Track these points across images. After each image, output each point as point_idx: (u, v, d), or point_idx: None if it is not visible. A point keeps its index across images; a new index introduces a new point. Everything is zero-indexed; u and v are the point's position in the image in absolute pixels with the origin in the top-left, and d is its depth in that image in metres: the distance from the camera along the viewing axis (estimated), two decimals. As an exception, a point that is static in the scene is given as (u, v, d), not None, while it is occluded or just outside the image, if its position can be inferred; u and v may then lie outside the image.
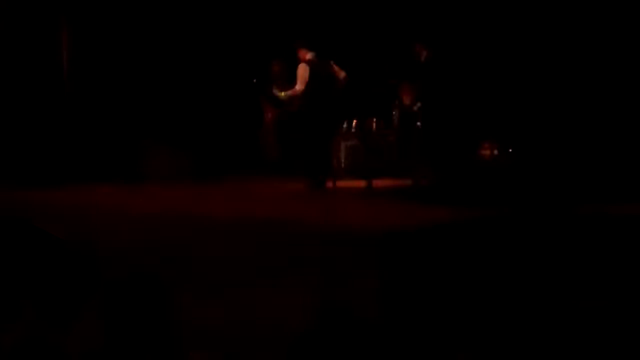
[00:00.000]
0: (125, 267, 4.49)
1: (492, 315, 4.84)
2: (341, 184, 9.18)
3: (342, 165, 10.50)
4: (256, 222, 6.33)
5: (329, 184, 8.68)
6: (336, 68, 9.03)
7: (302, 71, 8.83)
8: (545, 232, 5.72)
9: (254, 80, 9.98)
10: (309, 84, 8.76)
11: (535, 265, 5.41)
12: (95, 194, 9.03)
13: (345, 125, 10.80)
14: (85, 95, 11.12)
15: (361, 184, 8.86)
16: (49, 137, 10.83)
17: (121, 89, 11.39)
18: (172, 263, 5.02)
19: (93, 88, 11.19)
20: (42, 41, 10.93)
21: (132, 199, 8.12)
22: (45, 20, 10.99)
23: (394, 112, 10.93)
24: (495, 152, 10.63)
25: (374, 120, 10.68)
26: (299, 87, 9.00)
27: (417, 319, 4.73)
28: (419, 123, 10.26)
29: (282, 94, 9.92)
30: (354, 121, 10.77)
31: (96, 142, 11.01)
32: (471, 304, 4.98)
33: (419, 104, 9.66)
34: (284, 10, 12.43)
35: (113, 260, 4.44)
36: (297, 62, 9.02)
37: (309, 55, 8.87)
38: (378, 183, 8.44)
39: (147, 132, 11.24)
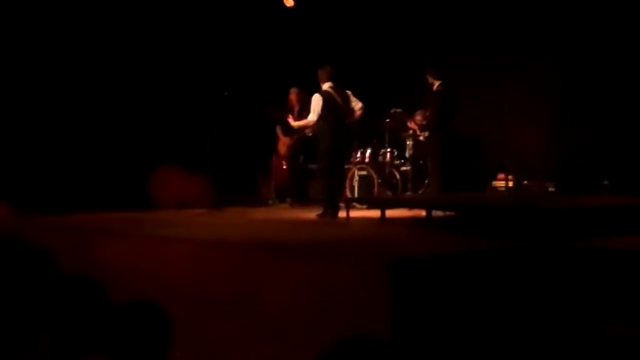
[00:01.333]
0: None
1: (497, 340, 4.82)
2: (354, 213, 9.18)
3: (356, 194, 10.52)
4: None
5: (342, 214, 8.65)
6: (353, 98, 9.02)
7: (316, 102, 8.80)
8: (552, 265, 5.69)
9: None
10: (322, 115, 8.75)
11: (539, 299, 5.38)
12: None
13: (358, 155, 10.83)
14: (99, 119, 11.21)
15: (374, 213, 8.83)
16: (62, 162, 10.93)
17: (136, 115, 11.52)
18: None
19: (107, 113, 11.30)
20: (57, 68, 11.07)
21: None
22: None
23: (407, 142, 10.96)
24: (510, 183, 10.63)
25: (388, 150, 10.70)
26: (311, 117, 8.99)
27: (427, 341, 4.72)
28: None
29: (295, 123, 9.93)
30: (368, 151, 10.81)
31: (109, 168, 11.12)
32: (477, 329, 4.96)
33: (426, 133, 9.62)
34: (302, 38, 12.61)
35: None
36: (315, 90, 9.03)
37: (325, 85, 8.88)
38: (391, 213, 8.40)
39: (161, 159, 11.35)
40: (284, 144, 11.14)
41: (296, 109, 10.80)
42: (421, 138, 10.20)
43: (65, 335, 2.82)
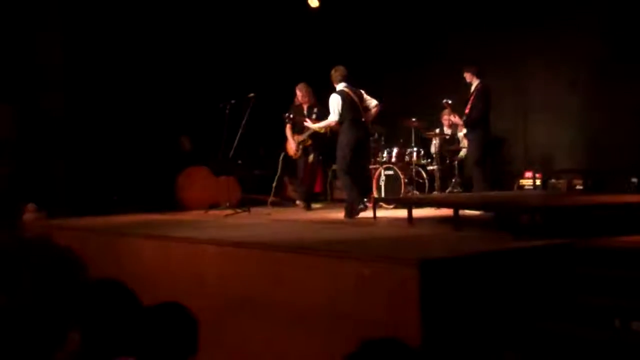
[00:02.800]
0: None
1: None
2: (381, 213, 9.15)
3: (382, 194, 10.49)
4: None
5: (369, 214, 8.62)
6: (367, 97, 9.03)
7: (335, 102, 8.82)
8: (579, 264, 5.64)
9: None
10: (341, 114, 8.76)
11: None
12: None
13: (385, 155, 10.80)
14: (125, 122, 11.30)
15: (401, 213, 8.80)
16: (91, 165, 11.02)
17: (162, 118, 11.60)
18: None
19: (133, 116, 11.38)
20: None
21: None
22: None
23: (433, 141, 10.91)
24: (538, 181, 10.55)
25: (414, 149, 10.66)
26: (332, 118, 9.02)
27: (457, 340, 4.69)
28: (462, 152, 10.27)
29: (315, 126, 9.88)
30: (394, 150, 10.77)
31: (136, 170, 11.19)
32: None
33: (464, 130, 9.61)
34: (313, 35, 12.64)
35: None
36: (323, 86, 9.01)
37: (340, 85, 8.90)
38: (418, 212, 8.36)
39: (188, 161, 11.42)
40: (292, 143, 10.92)
41: (306, 105, 10.63)
42: (461, 134, 10.22)
43: (96, 337, 2.83)
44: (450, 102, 10.17)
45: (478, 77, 9.36)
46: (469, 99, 9.31)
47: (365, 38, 12.79)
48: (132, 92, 11.46)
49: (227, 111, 9.89)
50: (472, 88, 9.32)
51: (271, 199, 11.24)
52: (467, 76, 9.43)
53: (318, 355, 5.33)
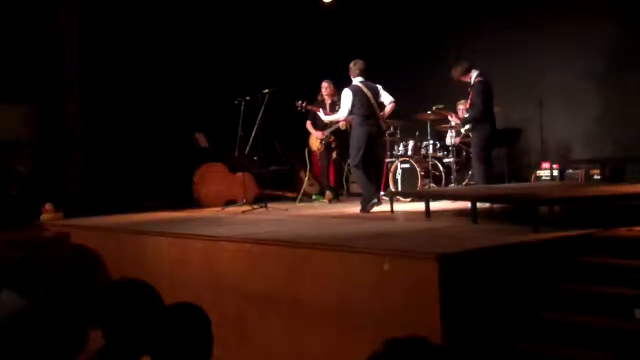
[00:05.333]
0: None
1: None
2: (398, 206, 9.13)
3: (399, 188, 10.47)
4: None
5: (386, 207, 8.60)
6: (383, 93, 8.97)
7: (345, 97, 8.80)
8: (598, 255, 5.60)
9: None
10: (352, 109, 8.73)
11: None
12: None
13: (401, 148, 10.77)
14: (140, 120, 11.34)
15: (418, 206, 8.78)
16: (108, 164, 11.07)
17: (177, 114, 11.63)
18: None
19: (149, 114, 11.42)
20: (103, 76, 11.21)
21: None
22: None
23: (449, 134, 10.86)
24: (555, 172, 10.49)
25: (430, 142, 10.63)
26: (341, 112, 9.00)
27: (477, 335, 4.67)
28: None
29: (327, 118, 9.95)
30: (410, 143, 10.74)
31: (150, 169, 11.23)
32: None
33: (467, 127, 9.51)
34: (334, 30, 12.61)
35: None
36: (340, 81, 9.00)
37: (355, 80, 8.86)
38: (435, 205, 8.33)
39: (199, 158, 11.43)
40: (315, 139, 11.06)
41: (328, 102, 10.73)
42: (462, 131, 10.11)
43: (118, 336, 2.84)
44: (440, 106, 10.15)
45: (468, 72, 9.12)
46: (468, 95, 9.22)
47: (381, 31, 12.77)
48: (148, 91, 11.49)
49: (242, 107, 9.89)
50: (471, 83, 9.17)
51: (299, 195, 11.33)
52: (456, 75, 9.21)
53: (338, 350, 5.33)
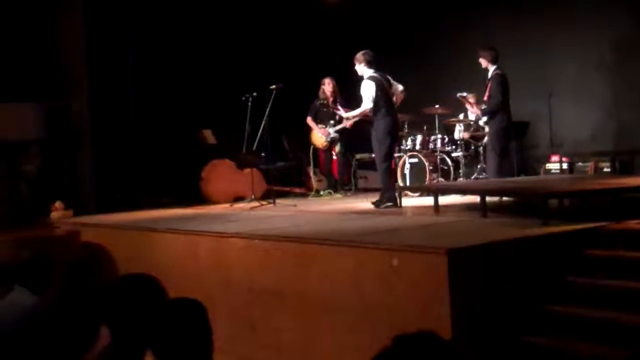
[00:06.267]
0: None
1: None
2: (406, 201, 9.12)
3: (407, 182, 10.45)
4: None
5: (395, 202, 8.58)
6: (393, 82, 8.86)
7: (368, 87, 8.55)
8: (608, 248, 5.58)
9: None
10: (376, 100, 8.56)
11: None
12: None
13: (409, 142, 10.75)
14: (149, 116, 11.35)
15: (426, 201, 8.77)
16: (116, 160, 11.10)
17: (185, 111, 11.64)
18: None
19: (156, 109, 11.43)
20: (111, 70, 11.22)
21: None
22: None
23: (457, 128, 10.84)
24: (564, 165, 10.46)
25: (439, 136, 10.60)
26: (366, 104, 8.63)
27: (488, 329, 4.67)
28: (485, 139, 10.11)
29: (349, 114, 9.76)
30: (419, 137, 10.72)
31: (159, 165, 11.25)
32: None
33: (485, 119, 9.47)
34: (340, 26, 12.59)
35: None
36: (350, 78, 8.92)
37: (369, 72, 8.69)
38: (444, 200, 8.32)
39: (207, 155, 11.45)
40: (318, 135, 11.03)
41: (331, 99, 10.72)
42: (481, 123, 10.07)
43: (127, 333, 2.84)
44: (464, 94, 10.01)
45: (494, 63, 9.16)
46: (486, 87, 9.19)
47: (385, 25, 12.73)
48: (156, 88, 11.49)
49: (249, 104, 9.90)
50: (489, 75, 9.16)
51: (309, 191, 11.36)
52: (483, 62, 9.26)
53: (348, 345, 5.33)
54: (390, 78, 8.82)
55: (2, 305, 3.98)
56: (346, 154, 11.14)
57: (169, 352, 2.66)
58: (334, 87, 10.80)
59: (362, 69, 8.71)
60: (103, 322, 2.97)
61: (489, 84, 9.10)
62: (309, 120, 10.99)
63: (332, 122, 10.85)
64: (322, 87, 10.85)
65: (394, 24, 12.73)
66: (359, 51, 8.81)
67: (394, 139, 8.72)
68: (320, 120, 10.90)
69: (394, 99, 8.80)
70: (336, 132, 10.78)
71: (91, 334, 3.18)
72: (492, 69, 9.12)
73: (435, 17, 12.31)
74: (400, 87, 8.89)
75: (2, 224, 9.35)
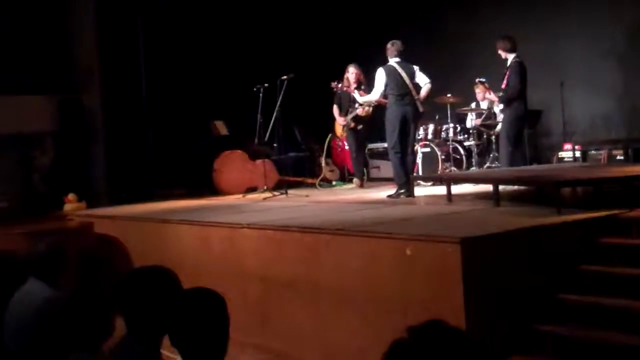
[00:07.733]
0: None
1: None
2: (419, 191, 9.10)
3: (420, 172, 10.42)
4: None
5: (407, 192, 8.57)
6: (419, 74, 8.82)
7: (379, 77, 8.66)
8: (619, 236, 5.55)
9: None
10: (387, 90, 8.59)
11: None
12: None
13: (421, 132, 10.71)
14: (160, 108, 11.38)
15: (439, 190, 8.75)
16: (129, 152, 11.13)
17: (197, 101, 11.66)
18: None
19: (168, 100, 11.46)
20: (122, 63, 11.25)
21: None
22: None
23: (470, 116, 10.80)
24: (577, 153, 10.40)
25: (451, 125, 10.57)
26: (374, 93, 8.85)
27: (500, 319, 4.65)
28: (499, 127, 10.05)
29: (362, 99, 9.87)
30: (430, 127, 10.68)
31: (172, 156, 11.28)
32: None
33: (501, 106, 9.43)
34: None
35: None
36: (376, 66, 8.90)
37: (391, 60, 8.72)
38: (456, 189, 8.30)
39: (219, 146, 11.46)
40: (339, 124, 11.05)
41: (353, 86, 10.66)
42: (497, 110, 10.04)
43: (140, 323, 2.86)
44: (483, 80, 9.98)
45: (512, 51, 9.14)
46: (504, 75, 9.15)
47: (397, 14, 12.68)
48: (167, 80, 11.51)
49: (261, 94, 9.90)
50: (508, 64, 9.13)
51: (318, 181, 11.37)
52: (501, 51, 9.24)
53: (362, 334, 5.34)
54: (416, 69, 8.81)
55: (17, 297, 4.01)
56: (360, 147, 11.01)
57: (189, 341, 2.68)
58: (357, 74, 10.67)
59: (389, 57, 8.79)
60: (118, 314, 2.99)
61: (507, 72, 9.07)
62: (334, 109, 10.97)
63: (351, 110, 10.78)
64: (346, 74, 10.79)
65: (405, 13, 12.67)
66: (370, 40, 8.89)
67: (402, 132, 8.64)
68: (344, 108, 10.85)
69: (421, 90, 8.78)
70: (352, 119, 10.70)
71: (106, 325, 3.20)
72: (511, 57, 9.09)
73: (447, 6, 12.25)
74: (426, 80, 8.82)
75: (16, 217, 9.41)
